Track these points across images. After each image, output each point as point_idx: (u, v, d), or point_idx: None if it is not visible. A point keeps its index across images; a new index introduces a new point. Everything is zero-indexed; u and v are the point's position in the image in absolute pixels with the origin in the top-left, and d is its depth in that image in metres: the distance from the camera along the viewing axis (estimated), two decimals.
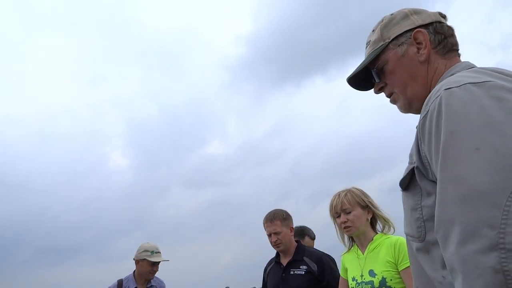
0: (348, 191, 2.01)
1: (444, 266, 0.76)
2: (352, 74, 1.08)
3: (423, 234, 0.83)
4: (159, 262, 3.22)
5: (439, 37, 0.96)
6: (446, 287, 0.77)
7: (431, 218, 0.79)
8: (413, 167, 0.84)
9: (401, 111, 1.05)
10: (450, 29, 0.99)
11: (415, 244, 0.87)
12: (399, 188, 0.92)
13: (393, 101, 1.05)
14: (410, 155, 0.87)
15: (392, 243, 1.83)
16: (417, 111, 1.00)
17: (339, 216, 2.01)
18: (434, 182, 0.78)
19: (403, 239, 1.83)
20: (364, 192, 2.02)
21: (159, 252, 3.25)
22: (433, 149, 0.75)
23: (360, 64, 1.06)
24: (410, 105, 1.00)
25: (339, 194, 2.02)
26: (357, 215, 1.94)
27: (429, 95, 0.83)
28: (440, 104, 0.75)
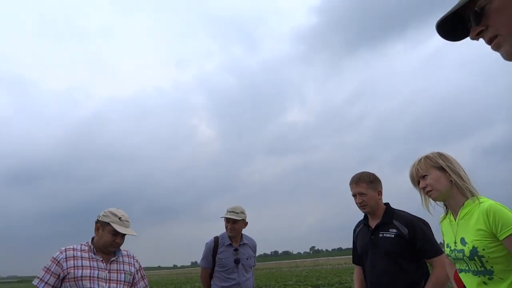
0: (423, 157, 1.93)
1: None
2: (443, 17, 0.93)
3: None
4: (230, 219, 3.49)
5: None
6: None
7: None
8: None
9: (506, 58, 0.88)
10: None
11: None
12: (498, 150, 0.80)
13: (495, 47, 0.88)
14: None
15: (485, 211, 1.67)
16: None
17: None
18: None
19: (495, 204, 1.68)
20: (445, 155, 1.88)
21: (231, 212, 3.51)
22: None
23: (457, 4, 0.90)
24: None
25: (414, 163, 1.96)
26: (434, 177, 1.84)
27: None
28: None
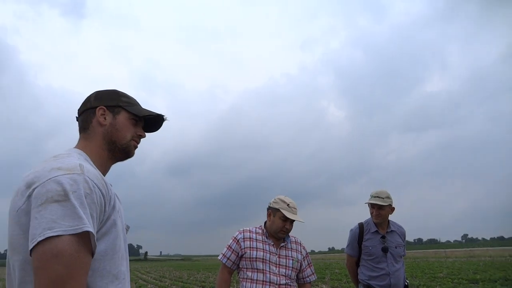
0: None
1: None
2: None
3: None
4: (376, 205, 3.29)
5: None
6: None
7: None
8: None
9: None
10: None
11: None
12: None
13: None
14: None
15: None
16: None
17: None
18: None
19: None
20: None
21: (376, 197, 3.30)
22: None
23: None
24: None
25: None
26: None
27: None
28: None
